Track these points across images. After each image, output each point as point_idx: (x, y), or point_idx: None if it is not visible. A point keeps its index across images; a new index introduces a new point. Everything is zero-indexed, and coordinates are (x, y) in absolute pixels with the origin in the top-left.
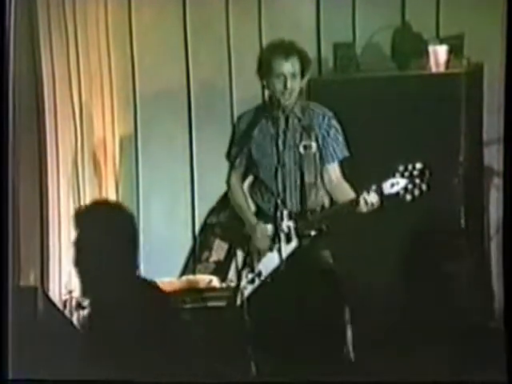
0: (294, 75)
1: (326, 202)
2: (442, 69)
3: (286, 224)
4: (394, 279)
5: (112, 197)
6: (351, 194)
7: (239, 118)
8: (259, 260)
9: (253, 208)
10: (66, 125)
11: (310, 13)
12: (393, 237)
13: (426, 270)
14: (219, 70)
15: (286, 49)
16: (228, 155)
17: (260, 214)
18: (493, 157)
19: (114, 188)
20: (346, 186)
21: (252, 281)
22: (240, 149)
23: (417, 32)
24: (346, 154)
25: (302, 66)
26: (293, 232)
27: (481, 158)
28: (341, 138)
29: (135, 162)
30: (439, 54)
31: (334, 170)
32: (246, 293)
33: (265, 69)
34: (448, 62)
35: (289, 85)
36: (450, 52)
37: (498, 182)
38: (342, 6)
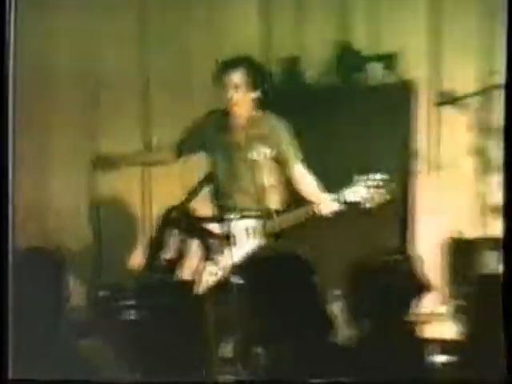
0: (239, 87)
1: (289, 203)
2: (378, 82)
3: (248, 223)
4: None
5: None
6: (315, 196)
7: (195, 121)
8: (221, 254)
9: (215, 207)
10: None
11: (260, 29)
12: (345, 241)
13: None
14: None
15: (233, 62)
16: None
17: (221, 212)
18: (425, 166)
19: None
20: (308, 187)
21: (214, 274)
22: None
23: (357, 49)
24: (301, 157)
25: (252, 78)
26: (254, 231)
27: (409, 165)
28: (295, 145)
29: None
30: (376, 69)
31: (294, 172)
32: (208, 285)
33: (216, 81)
34: (383, 76)
35: (233, 95)
36: (384, 68)
37: (431, 192)
38: (289, 24)
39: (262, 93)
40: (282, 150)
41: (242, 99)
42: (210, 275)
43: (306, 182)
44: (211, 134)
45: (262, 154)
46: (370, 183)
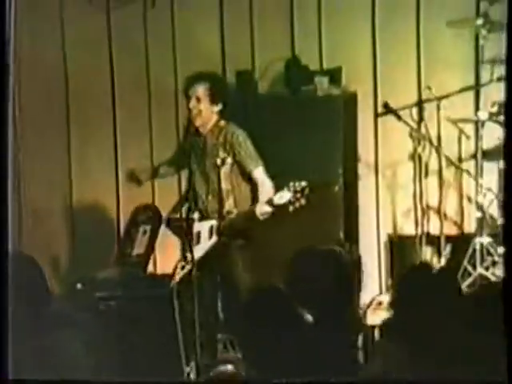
0: (199, 98)
1: (244, 206)
2: (324, 94)
3: (208, 223)
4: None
5: None
6: (269, 197)
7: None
8: (187, 250)
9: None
10: None
11: (216, 45)
12: (282, 242)
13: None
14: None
15: (195, 76)
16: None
17: (188, 212)
18: (367, 170)
19: None
20: (264, 190)
21: (182, 267)
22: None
23: (305, 64)
24: (261, 164)
25: (215, 91)
26: (214, 229)
27: (355, 171)
28: (253, 152)
29: None
30: (322, 82)
31: (252, 177)
32: (178, 278)
33: (182, 93)
34: (329, 88)
35: (193, 106)
36: (330, 81)
37: (372, 193)
38: (245, 40)
39: (223, 105)
40: (241, 157)
41: (205, 111)
42: (177, 270)
43: (262, 185)
44: (183, 143)
45: (223, 160)
46: (293, 189)
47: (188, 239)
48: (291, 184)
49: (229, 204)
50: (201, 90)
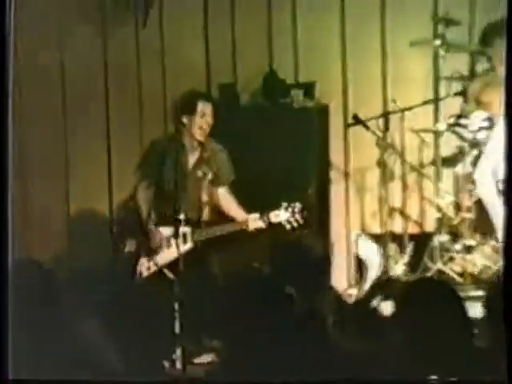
0: (204, 114)
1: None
2: (300, 106)
3: (183, 229)
4: None
5: None
6: (239, 214)
7: (154, 142)
8: (158, 253)
9: (152, 213)
10: None
11: (201, 60)
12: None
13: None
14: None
15: (200, 94)
16: (140, 168)
17: (161, 218)
18: (338, 175)
19: None
20: (233, 205)
21: (148, 268)
22: (152, 165)
23: (282, 78)
24: (233, 177)
25: (214, 109)
26: (189, 236)
27: (328, 175)
28: (230, 168)
29: None
30: (298, 95)
31: (223, 193)
32: (144, 276)
33: (185, 106)
34: (304, 101)
35: (201, 121)
36: (305, 94)
37: (342, 196)
38: (228, 55)
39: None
40: (217, 171)
41: (207, 127)
42: (147, 270)
43: (229, 202)
44: (170, 154)
45: (203, 173)
46: (290, 209)
47: (162, 242)
48: (284, 204)
49: (204, 215)
50: (209, 106)
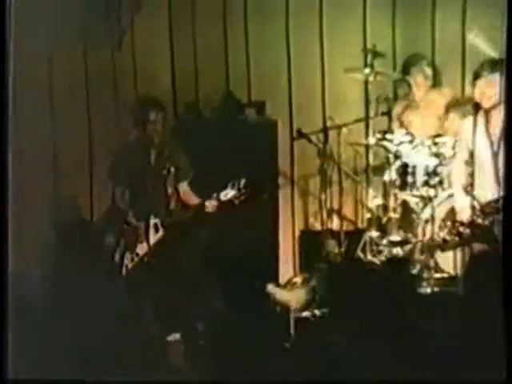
0: (157, 122)
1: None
2: (253, 122)
3: (154, 220)
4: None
5: None
6: (196, 201)
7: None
8: (136, 245)
9: (129, 210)
10: None
11: (168, 80)
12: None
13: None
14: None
15: (153, 103)
16: (112, 174)
17: (136, 213)
18: (285, 181)
19: None
20: (192, 196)
21: (132, 259)
22: (122, 169)
23: (238, 98)
24: (189, 175)
25: (163, 115)
26: (159, 225)
27: (277, 182)
28: (189, 166)
29: None
30: (251, 112)
31: (183, 187)
32: (129, 267)
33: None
34: (257, 117)
35: (154, 127)
36: (257, 112)
37: (289, 199)
38: (190, 76)
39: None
40: (179, 167)
41: (158, 131)
42: (129, 260)
43: (188, 194)
44: (138, 155)
45: (168, 170)
46: (236, 185)
47: (139, 235)
48: (231, 183)
49: (172, 205)
50: (160, 113)
